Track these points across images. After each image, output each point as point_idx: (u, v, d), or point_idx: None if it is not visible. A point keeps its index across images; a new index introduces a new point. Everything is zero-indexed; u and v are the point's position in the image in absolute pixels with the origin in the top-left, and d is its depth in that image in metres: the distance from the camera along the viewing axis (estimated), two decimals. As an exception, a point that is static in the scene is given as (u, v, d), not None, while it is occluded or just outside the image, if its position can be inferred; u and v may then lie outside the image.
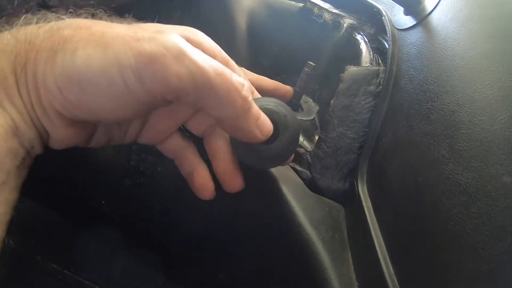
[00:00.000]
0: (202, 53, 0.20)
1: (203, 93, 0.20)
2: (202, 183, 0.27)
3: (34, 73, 0.19)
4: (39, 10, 0.25)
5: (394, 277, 0.26)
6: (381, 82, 0.32)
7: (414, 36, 0.32)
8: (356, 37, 0.37)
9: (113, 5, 0.32)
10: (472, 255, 0.23)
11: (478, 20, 0.28)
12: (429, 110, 0.28)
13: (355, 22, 0.37)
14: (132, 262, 0.34)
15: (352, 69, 0.33)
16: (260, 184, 0.30)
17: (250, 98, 0.22)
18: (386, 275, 0.26)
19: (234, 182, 0.27)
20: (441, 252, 0.25)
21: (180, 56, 0.19)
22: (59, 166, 0.30)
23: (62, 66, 0.18)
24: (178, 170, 0.29)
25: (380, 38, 0.36)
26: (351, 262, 0.28)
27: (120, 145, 0.33)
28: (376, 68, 0.33)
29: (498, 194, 0.23)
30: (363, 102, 0.32)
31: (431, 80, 0.29)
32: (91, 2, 0.30)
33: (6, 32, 0.19)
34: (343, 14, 0.37)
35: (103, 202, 0.33)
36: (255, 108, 0.22)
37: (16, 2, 0.26)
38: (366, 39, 0.36)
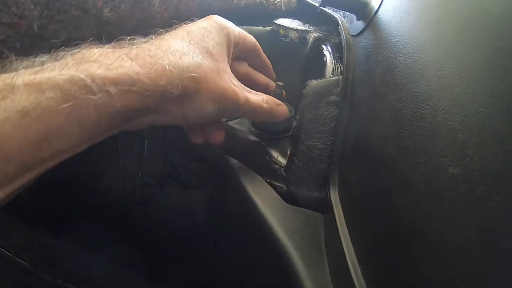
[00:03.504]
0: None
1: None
2: None
3: None
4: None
5: (363, 280, 0.27)
6: (341, 91, 0.33)
7: (364, 40, 0.32)
8: (322, 49, 0.38)
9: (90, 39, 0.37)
10: (428, 252, 0.23)
11: (415, 12, 0.28)
12: (378, 112, 0.28)
13: (321, 35, 0.38)
14: (114, 264, 0.37)
15: (312, 83, 0.34)
16: (236, 201, 0.33)
17: None
18: (354, 278, 0.27)
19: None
20: (401, 252, 0.25)
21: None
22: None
23: None
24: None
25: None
26: (327, 268, 0.29)
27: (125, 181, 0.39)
28: (336, 78, 0.33)
29: (446, 188, 0.23)
30: (326, 113, 0.33)
31: (378, 82, 0.29)
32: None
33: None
34: (310, 29, 0.39)
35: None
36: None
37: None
38: (330, 49, 0.37)
